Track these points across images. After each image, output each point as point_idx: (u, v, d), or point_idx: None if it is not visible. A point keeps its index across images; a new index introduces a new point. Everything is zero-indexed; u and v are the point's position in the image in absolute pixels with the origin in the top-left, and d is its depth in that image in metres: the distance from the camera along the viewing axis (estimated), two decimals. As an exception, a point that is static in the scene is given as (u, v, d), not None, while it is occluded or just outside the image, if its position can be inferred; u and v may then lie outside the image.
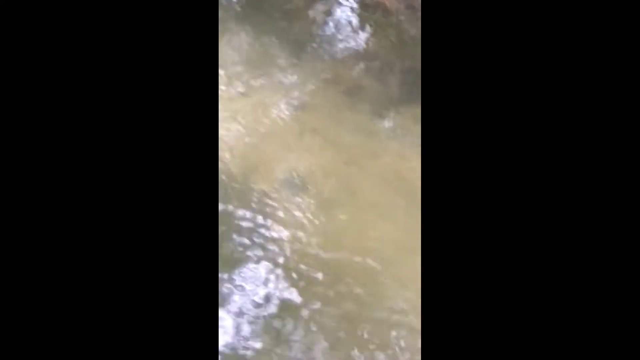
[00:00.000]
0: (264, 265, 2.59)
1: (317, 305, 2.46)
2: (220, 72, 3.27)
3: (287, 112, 3.27)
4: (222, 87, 3.23)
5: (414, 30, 3.64)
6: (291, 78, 3.51)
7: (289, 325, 2.41)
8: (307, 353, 2.33)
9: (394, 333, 2.47)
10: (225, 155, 2.95)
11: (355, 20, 3.73)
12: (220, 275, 2.45)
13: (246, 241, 2.65)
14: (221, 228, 2.57)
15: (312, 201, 2.88)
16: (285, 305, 2.47)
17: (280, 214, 2.80)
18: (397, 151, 3.24)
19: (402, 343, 2.42)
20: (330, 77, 3.60)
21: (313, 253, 2.67)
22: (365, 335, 2.44)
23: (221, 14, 3.19)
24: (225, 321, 2.37)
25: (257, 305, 2.46)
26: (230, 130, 3.07)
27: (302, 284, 2.55)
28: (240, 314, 2.42)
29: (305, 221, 2.78)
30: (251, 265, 2.58)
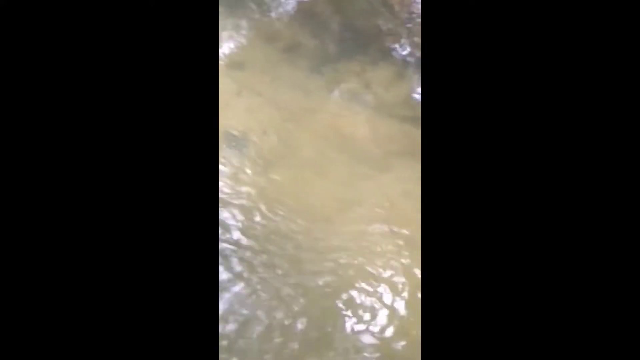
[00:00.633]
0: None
1: (257, 259, 2.47)
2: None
3: (224, 71, 3.23)
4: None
5: (350, -15, 3.63)
6: (228, 36, 3.46)
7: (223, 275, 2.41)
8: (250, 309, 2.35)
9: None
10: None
11: (291, -23, 3.68)
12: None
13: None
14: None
15: (251, 159, 2.87)
16: (224, 256, 2.47)
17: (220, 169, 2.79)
18: (335, 107, 3.25)
19: (344, 297, 2.46)
20: (268, 34, 3.56)
21: (254, 210, 2.67)
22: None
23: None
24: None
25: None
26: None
27: (243, 240, 2.56)
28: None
29: (244, 177, 2.78)
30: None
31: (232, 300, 2.33)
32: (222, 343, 2.18)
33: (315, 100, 3.29)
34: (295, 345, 2.26)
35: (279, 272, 2.48)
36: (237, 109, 3.10)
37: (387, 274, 2.53)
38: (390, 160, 3.00)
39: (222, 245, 2.49)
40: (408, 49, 3.57)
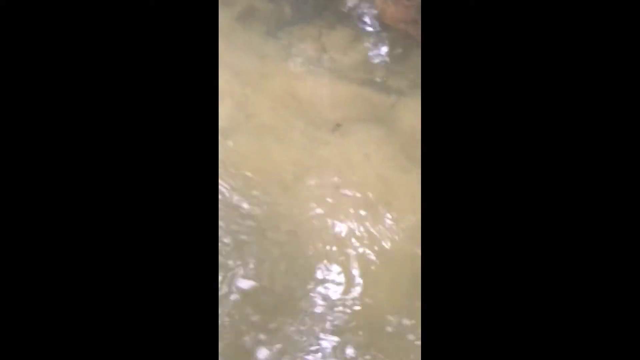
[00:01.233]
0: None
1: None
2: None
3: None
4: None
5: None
6: None
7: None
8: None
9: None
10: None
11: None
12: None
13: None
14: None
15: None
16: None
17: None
18: (292, 71, 3.21)
19: (306, 262, 2.46)
20: (222, -1, 3.49)
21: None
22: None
23: None
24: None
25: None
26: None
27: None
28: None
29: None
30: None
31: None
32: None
33: (272, 65, 3.24)
34: (256, 312, 2.26)
35: (241, 238, 2.47)
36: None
37: (348, 237, 2.53)
38: (349, 124, 2.99)
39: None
40: (365, 12, 3.54)
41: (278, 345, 2.19)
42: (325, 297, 2.33)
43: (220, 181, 2.63)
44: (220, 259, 2.36)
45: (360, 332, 2.24)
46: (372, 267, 2.43)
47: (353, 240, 2.52)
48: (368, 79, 3.23)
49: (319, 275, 2.40)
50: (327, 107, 3.07)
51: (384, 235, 2.55)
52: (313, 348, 2.19)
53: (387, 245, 2.51)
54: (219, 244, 2.41)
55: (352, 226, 2.57)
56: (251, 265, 2.39)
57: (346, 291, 2.35)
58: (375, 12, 3.52)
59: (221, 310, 2.23)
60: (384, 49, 3.40)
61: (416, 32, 3.40)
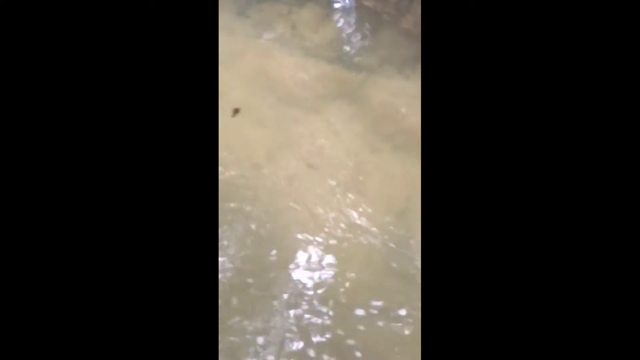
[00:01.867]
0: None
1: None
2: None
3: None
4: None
5: None
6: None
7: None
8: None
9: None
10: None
11: None
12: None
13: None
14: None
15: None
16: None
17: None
18: (262, 50, 3.20)
19: (280, 241, 2.48)
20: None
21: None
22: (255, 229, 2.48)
23: None
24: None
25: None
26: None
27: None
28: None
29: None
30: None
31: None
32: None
33: (242, 43, 3.22)
34: (232, 292, 2.27)
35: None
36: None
37: (319, 214, 2.55)
38: (319, 102, 2.99)
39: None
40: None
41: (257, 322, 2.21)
42: (297, 275, 2.35)
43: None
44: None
45: (329, 311, 2.27)
46: (344, 244, 2.46)
47: (325, 216, 2.55)
48: (338, 56, 3.23)
49: (293, 251, 2.42)
50: (297, 85, 3.06)
51: (356, 211, 2.57)
52: (286, 330, 2.22)
53: (359, 221, 2.54)
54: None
55: (323, 203, 2.59)
56: (224, 242, 2.41)
57: (318, 268, 2.38)
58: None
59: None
60: (354, 27, 3.40)
61: (385, 9, 3.40)
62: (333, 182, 2.67)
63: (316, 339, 2.18)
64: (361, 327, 2.22)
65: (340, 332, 2.20)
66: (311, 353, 2.14)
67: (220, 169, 2.65)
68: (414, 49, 3.24)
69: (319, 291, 2.31)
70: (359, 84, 3.09)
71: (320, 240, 2.47)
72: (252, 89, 3.01)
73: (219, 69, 3.03)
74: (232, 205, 2.55)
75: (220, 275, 2.30)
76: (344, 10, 3.47)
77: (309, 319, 2.23)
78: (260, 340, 2.17)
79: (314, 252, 2.43)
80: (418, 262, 2.42)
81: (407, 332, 2.22)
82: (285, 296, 2.28)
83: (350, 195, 2.63)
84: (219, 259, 2.35)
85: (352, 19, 3.43)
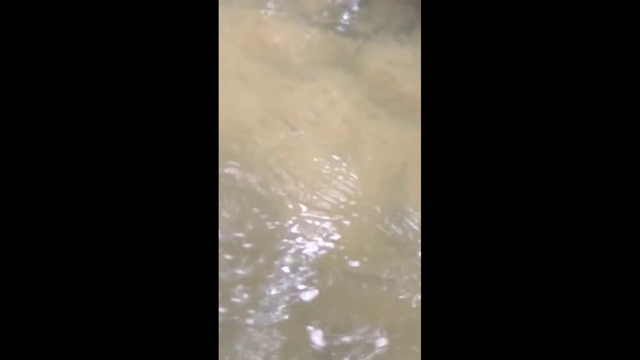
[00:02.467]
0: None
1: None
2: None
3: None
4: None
5: None
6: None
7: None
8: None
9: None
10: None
11: None
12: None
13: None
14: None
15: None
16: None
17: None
18: (255, 16, 3.16)
19: (276, 209, 2.48)
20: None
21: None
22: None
23: None
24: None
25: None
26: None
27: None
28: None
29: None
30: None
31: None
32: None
33: (237, 10, 3.18)
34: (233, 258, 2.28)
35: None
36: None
37: (316, 183, 2.55)
38: (314, 70, 2.97)
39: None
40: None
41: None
42: (295, 243, 2.36)
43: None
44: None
45: (329, 278, 2.28)
46: (340, 215, 2.46)
47: (321, 185, 2.55)
48: (333, 23, 3.20)
49: (289, 223, 2.42)
50: (292, 52, 3.04)
51: (352, 180, 2.58)
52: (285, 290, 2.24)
53: (355, 191, 2.54)
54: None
55: (319, 172, 2.59)
56: (224, 214, 2.41)
57: (315, 237, 2.39)
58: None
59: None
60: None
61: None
62: (329, 149, 2.67)
63: (311, 306, 2.20)
64: (357, 294, 2.24)
65: (335, 299, 2.21)
66: (306, 320, 2.16)
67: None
68: (410, 15, 3.21)
69: (315, 259, 2.32)
70: (355, 51, 3.07)
71: (316, 207, 2.47)
72: (246, 56, 2.98)
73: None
74: (226, 170, 2.54)
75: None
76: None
77: (305, 288, 2.25)
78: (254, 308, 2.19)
79: (310, 219, 2.43)
80: (417, 228, 2.43)
81: (403, 297, 2.24)
82: (282, 265, 2.29)
83: (346, 162, 2.63)
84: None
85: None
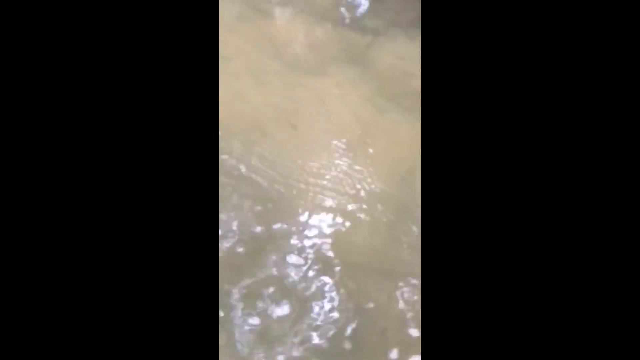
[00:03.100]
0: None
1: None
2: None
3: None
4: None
5: None
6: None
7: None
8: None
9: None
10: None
11: None
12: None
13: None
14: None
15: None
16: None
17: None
18: (267, 13, 3.17)
19: (290, 201, 2.49)
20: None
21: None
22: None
23: None
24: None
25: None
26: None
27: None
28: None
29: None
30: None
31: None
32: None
33: (247, 7, 3.19)
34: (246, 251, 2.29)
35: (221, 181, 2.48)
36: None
37: (327, 178, 2.56)
38: (325, 66, 2.97)
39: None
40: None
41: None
42: (307, 237, 2.37)
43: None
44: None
45: (338, 269, 2.29)
46: (351, 207, 2.47)
47: (332, 181, 2.55)
48: (344, 18, 3.20)
49: (302, 217, 2.43)
50: (303, 49, 3.05)
51: (363, 175, 2.58)
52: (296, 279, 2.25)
53: (365, 185, 2.55)
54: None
55: (331, 167, 2.60)
56: (232, 214, 2.42)
57: (327, 232, 2.40)
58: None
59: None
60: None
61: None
62: (342, 144, 2.67)
63: (318, 299, 2.21)
64: (365, 287, 2.24)
65: (343, 291, 2.22)
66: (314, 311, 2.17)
67: (221, 133, 2.64)
68: (420, 11, 3.20)
69: (323, 252, 2.33)
70: (365, 46, 3.07)
71: (327, 201, 2.48)
72: (257, 53, 2.99)
73: (223, 34, 3.03)
74: (227, 164, 2.56)
75: (221, 254, 2.32)
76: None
77: (313, 277, 2.26)
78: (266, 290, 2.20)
79: (323, 213, 2.44)
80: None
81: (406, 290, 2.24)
82: (290, 258, 2.31)
83: (356, 158, 2.63)
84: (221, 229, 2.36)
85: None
